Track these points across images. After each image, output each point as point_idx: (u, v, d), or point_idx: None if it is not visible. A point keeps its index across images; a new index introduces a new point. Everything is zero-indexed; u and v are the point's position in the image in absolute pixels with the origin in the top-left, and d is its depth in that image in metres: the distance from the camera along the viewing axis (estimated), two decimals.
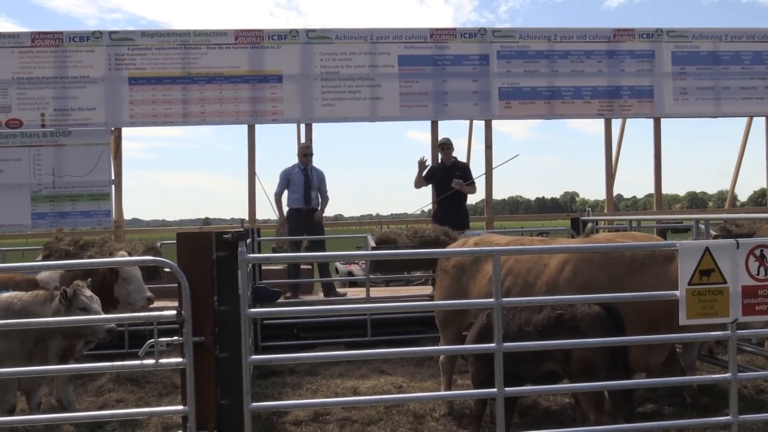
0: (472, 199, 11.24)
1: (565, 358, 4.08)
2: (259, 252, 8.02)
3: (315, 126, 10.24)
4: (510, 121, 11.61)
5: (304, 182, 8.94)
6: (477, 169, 10.54)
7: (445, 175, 8.80)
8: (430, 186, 9.31)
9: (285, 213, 9.06)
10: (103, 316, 4.72)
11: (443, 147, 9.02)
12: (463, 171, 8.86)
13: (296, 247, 8.90)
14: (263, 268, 8.20)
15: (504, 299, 3.64)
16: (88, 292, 4.64)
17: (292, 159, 9.29)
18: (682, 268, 3.59)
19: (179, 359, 3.44)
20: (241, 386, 3.42)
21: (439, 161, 9.04)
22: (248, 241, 5.76)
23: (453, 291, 5.24)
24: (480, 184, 10.38)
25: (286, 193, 9.06)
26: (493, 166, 10.21)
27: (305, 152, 9.10)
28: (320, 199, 9.11)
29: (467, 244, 5.61)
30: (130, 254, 6.45)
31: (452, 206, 8.73)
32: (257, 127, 10.09)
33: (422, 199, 9.26)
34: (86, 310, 4.52)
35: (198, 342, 3.43)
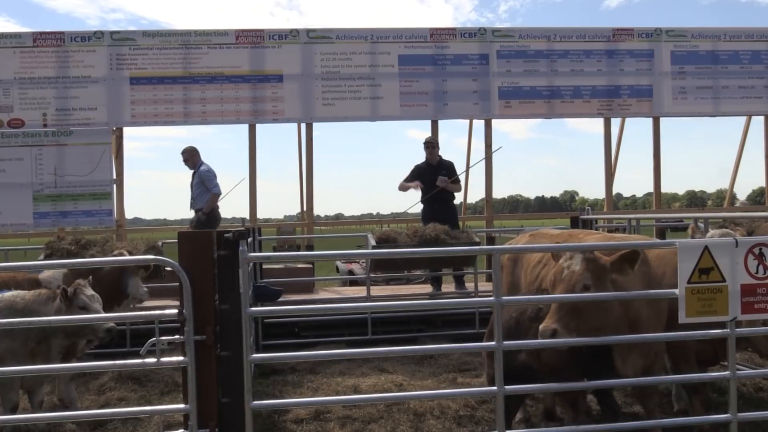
0: (471, 198, 11.27)
1: (537, 356, 4.10)
2: (260, 251, 8.03)
3: (315, 125, 10.27)
4: (510, 121, 11.64)
5: (190, 187, 9.03)
6: (474, 168, 10.58)
7: (432, 174, 8.78)
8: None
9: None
10: (104, 315, 4.75)
11: (428, 146, 8.99)
12: (448, 169, 8.82)
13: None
14: (264, 267, 8.21)
15: (504, 297, 3.66)
16: (90, 291, 4.66)
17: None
18: (682, 267, 3.61)
19: (181, 358, 3.47)
20: (242, 385, 3.44)
21: (424, 160, 8.99)
22: (249, 240, 5.78)
23: (508, 283, 5.24)
24: (480, 182, 10.43)
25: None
26: (475, 162, 10.26)
27: (182, 158, 9.05)
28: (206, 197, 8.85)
29: (523, 239, 5.62)
30: (131, 253, 6.47)
31: (440, 205, 8.69)
32: (258, 126, 10.12)
33: (414, 199, 9.17)
34: (86, 309, 4.54)
35: (199, 341, 3.45)
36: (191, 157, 9.03)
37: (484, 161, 10.29)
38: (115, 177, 9.73)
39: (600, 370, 4.01)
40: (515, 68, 10.40)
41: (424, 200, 8.82)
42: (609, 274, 3.85)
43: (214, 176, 8.91)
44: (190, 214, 9.11)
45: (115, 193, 9.70)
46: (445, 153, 11.04)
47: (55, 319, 4.24)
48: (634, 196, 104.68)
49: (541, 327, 3.69)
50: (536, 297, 3.94)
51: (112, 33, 9.87)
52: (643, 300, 4.01)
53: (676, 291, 3.62)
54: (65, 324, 4.40)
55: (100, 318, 4.58)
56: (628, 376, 4.02)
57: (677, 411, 5.14)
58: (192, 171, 9.03)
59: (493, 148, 10.37)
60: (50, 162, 9.55)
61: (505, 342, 3.63)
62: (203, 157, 9.13)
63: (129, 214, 11.50)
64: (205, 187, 8.80)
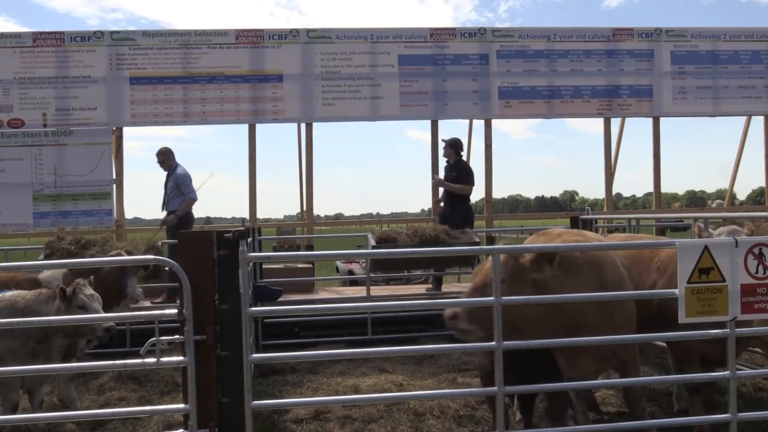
0: (472, 198, 11.24)
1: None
2: (260, 251, 8.03)
3: (315, 125, 10.27)
4: (510, 121, 11.63)
5: (164, 188, 8.92)
6: (474, 168, 10.55)
7: (447, 174, 8.89)
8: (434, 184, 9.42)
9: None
10: (104, 314, 4.75)
11: (444, 145, 9.05)
12: (458, 170, 8.85)
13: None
14: (264, 267, 8.22)
15: (503, 298, 3.65)
16: (89, 291, 4.67)
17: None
18: (682, 267, 3.61)
19: (180, 358, 3.46)
20: (242, 384, 3.44)
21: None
22: (249, 239, 5.78)
23: None
24: (480, 182, 10.42)
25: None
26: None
27: (158, 161, 8.97)
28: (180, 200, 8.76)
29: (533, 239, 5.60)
30: (131, 253, 6.47)
31: (451, 207, 8.78)
32: (258, 126, 10.12)
33: (423, 199, 9.30)
34: (85, 308, 4.55)
35: (199, 340, 3.45)
36: (167, 159, 8.95)
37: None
38: (114, 177, 9.72)
39: (528, 374, 4.04)
40: (515, 68, 10.40)
41: (437, 201, 9.00)
42: (529, 272, 3.84)
43: (191, 180, 8.86)
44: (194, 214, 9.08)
45: (114, 193, 9.69)
46: None
47: (55, 319, 4.24)
48: (634, 196, 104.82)
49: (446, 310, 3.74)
50: (536, 297, 3.92)
51: (112, 33, 9.87)
52: (590, 306, 3.92)
53: (676, 291, 3.62)
54: (65, 324, 4.41)
55: (100, 318, 4.59)
56: (576, 379, 3.99)
57: (677, 411, 5.14)
58: (166, 172, 8.93)
59: (493, 147, 10.39)
60: (50, 162, 9.55)
61: (505, 342, 3.62)
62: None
63: (129, 214, 11.51)
64: (180, 190, 8.72)
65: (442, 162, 9.27)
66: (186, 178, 8.82)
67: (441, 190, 9.25)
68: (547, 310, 3.83)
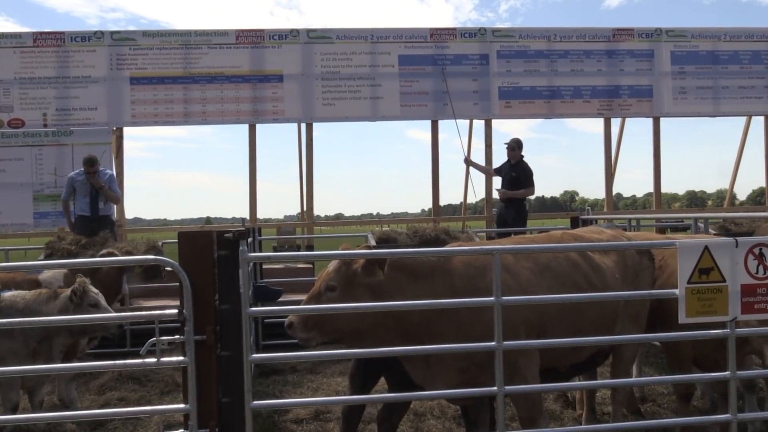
0: (471, 198, 11.28)
1: None
2: (260, 251, 8.03)
3: (315, 125, 10.28)
4: (510, 121, 11.65)
5: (90, 191, 8.18)
6: (475, 168, 10.58)
7: (506, 173, 9.01)
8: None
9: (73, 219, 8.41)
10: (108, 314, 4.75)
11: (507, 146, 9.11)
12: (518, 171, 8.88)
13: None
14: (264, 267, 8.21)
15: (504, 297, 3.65)
16: (95, 289, 4.68)
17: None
18: (682, 267, 3.61)
19: (181, 358, 3.46)
20: (242, 384, 3.44)
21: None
22: (249, 240, 5.78)
23: None
24: (480, 182, 10.45)
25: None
26: None
27: (89, 170, 8.04)
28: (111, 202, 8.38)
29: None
30: (131, 253, 6.47)
31: (506, 204, 8.98)
32: (258, 126, 10.14)
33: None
34: (97, 306, 4.56)
35: (199, 340, 3.44)
36: (95, 171, 8.23)
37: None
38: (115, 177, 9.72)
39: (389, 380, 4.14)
40: (515, 68, 10.41)
41: (503, 196, 9.09)
42: (360, 278, 3.85)
43: None
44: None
45: None
46: (445, 153, 11.07)
47: (63, 318, 4.23)
48: (634, 196, 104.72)
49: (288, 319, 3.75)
50: (536, 297, 3.92)
51: (112, 33, 9.88)
52: (435, 313, 3.84)
53: (677, 291, 3.62)
54: (76, 323, 4.41)
55: (104, 318, 4.59)
56: (439, 389, 3.93)
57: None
58: (83, 177, 8.19)
59: (493, 148, 10.42)
60: (50, 162, 9.56)
61: (505, 342, 3.62)
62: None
63: (129, 214, 11.52)
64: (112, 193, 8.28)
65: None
66: (112, 179, 8.44)
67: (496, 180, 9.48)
68: (384, 316, 3.81)
